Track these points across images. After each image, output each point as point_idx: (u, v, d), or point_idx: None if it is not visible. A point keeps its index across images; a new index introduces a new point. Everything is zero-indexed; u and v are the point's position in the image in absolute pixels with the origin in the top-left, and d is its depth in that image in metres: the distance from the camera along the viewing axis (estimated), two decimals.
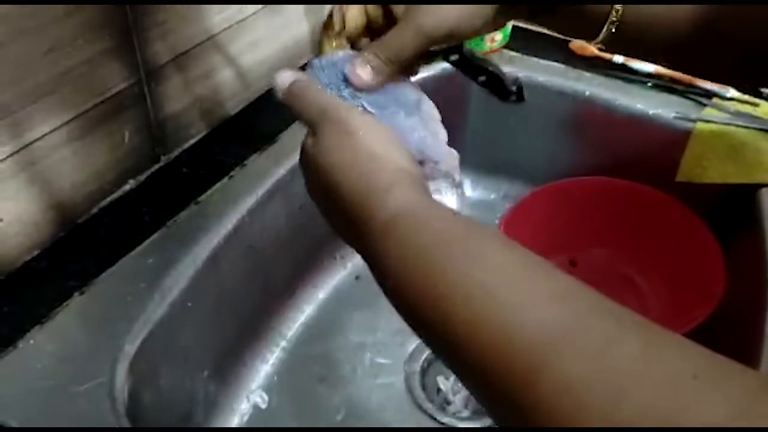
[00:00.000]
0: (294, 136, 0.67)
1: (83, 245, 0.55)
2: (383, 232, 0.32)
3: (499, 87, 0.44)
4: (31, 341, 0.48)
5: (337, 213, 0.35)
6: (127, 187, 0.60)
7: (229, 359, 0.65)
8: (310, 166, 0.36)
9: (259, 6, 0.67)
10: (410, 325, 0.32)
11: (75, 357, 0.47)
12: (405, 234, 0.31)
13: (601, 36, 0.41)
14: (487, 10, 0.39)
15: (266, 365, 0.68)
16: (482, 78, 0.44)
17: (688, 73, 0.65)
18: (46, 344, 0.47)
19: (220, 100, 0.67)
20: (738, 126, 0.70)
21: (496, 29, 0.44)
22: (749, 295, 0.59)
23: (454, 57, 0.44)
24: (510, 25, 0.81)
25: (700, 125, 0.71)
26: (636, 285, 0.75)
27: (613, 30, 0.40)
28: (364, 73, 0.38)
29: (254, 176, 0.63)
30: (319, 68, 0.39)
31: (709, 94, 0.74)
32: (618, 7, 0.40)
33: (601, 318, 0.26)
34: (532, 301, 0.27)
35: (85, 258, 0.53)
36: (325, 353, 0.70)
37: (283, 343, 0.70)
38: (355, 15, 0.40)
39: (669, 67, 0.77)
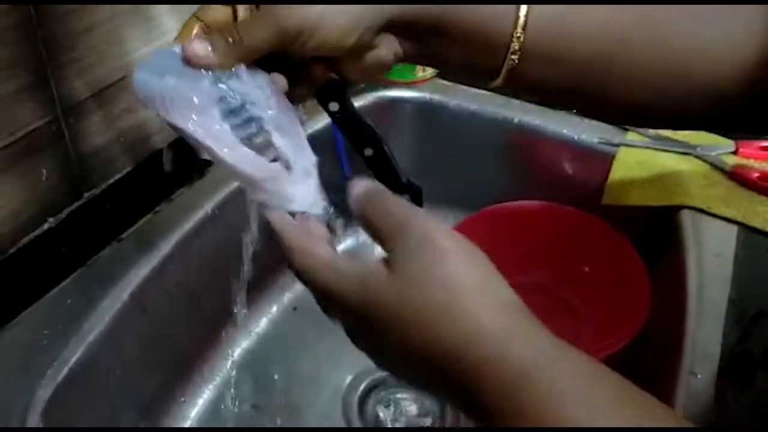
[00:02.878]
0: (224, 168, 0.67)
1: None
2: (503, 394, 0.26)
3: (392, 177, 0.37)
4: None
5: (426, 368, 0.27)
6: (45, 226, 0.58)
7: (159, 399, 0.63)
8: (379, 300, 0.28)
9: None
10: None
11: None
12: (528, 400, 0.26)
13: (500, 77, 0.37)
14: (354, 10, 0.34)
15: (200, 402, 0.66)
16: (369, 152, 0.37)
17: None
18: None
19: (145, 134, 0.66)
20: (658, 149, 0.73)
21: (382, 66, 0.36)
22: (672, 311, 0.61)
23: (333, 106, 0.37)
24: None
25: (622, 149, 0.73)
26: (572, 307, 0.76)
27: (516, 62, 0.36)
28: (200, 47, 0.33)
29: (182, 210, 0.62)
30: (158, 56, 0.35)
31: None
32: (519, 32, 0.35)
33: None
34: None
35: None
36: (262, 387, 0.69)
37: (217, 380, 0.68)
38: (218, 10, 0.36)
39: None
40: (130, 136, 0.64)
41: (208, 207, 0.63)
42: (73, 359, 0.49)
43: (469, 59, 0.38)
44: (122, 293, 0.54)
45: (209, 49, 0.34)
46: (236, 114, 0.34)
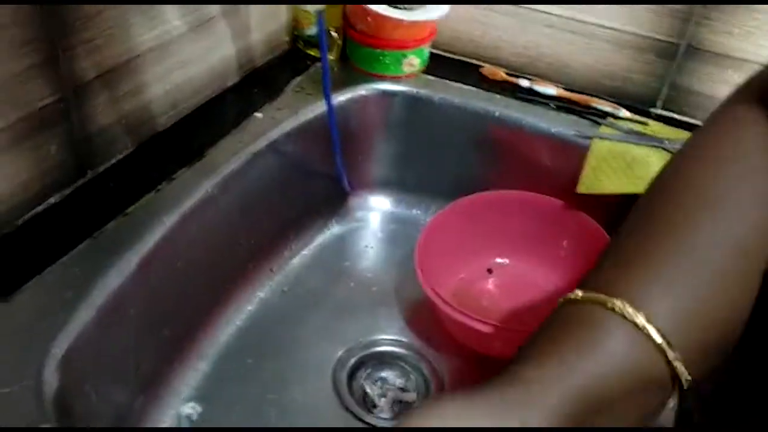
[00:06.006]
0: (221, 152, 0.70)
1: (6, 256, 0.55)
2: None
3: None
4: None
5: None
6: (52, 200, 0.61)
7: (159, 370, 0.65)
8: None
9: (185, 28, 0.70)
10: None
11: (1, 361, 0.48)
12: None
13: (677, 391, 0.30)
14: None
15: (197, 375, 0.69)
16: None
17: None
18: None
19: (148, 116, 0.69)
20: (630, 143, 0.78)
21: None
22: None
23: None
24: (428, 51, 0.87)
25: (596, 142, 0.78)
26: (546, 290, 0.81)
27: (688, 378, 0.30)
28: None
29: (181, 190, 0.65)
30: None
31: (604, 114, 0.82)
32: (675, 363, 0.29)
33: None
34: None
35: (9, 268, 0.54)
36: (256, 362, 0.72)
37: (213, 354, 0.71)
38: None
39: (569, 90, 0.85)
40: (134, 118, 0.67)
41: (207, 187, 0.66)
42: (83, 324, 0.52)
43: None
44: (128, 264, 0.57)
45: None
46: None
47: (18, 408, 0.45)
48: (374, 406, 0.71)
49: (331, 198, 0.88)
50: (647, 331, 0.29)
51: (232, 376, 0.70)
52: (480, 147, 0.85)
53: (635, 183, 0.74)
